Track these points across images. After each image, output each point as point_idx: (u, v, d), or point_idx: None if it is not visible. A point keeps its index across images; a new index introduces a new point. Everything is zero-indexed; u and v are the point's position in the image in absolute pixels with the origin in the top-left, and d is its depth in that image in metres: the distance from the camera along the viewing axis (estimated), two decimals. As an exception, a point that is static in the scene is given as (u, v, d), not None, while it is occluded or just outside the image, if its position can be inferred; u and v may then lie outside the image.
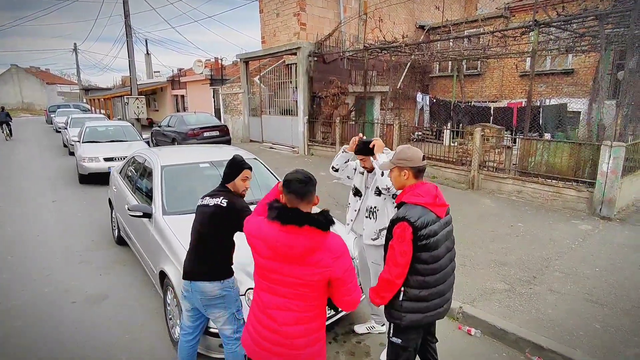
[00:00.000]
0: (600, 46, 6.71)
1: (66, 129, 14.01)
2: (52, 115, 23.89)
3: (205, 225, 2.42)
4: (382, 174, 2.84)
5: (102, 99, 30.08)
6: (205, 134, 12.50)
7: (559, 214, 6.34)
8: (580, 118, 11.14)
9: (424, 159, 2.16)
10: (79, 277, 4.40)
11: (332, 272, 1.71)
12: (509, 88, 13.62)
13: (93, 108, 31.40)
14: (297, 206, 1.75)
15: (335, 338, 3.33)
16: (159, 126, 14.45)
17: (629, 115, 6.30)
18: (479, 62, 14.01)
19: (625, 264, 4.53)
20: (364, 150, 2.93)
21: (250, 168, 2.60)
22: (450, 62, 14.62)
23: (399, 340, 2.16)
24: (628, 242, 5.20)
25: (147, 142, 11.11)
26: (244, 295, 2.71)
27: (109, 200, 5.59)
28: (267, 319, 1.80)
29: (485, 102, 13.41)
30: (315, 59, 12.02)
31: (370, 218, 3.00)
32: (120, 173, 5.24)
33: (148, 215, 3.61)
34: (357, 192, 3.23)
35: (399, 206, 2.15)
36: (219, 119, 16.46)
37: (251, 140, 15.32)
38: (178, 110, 23.06)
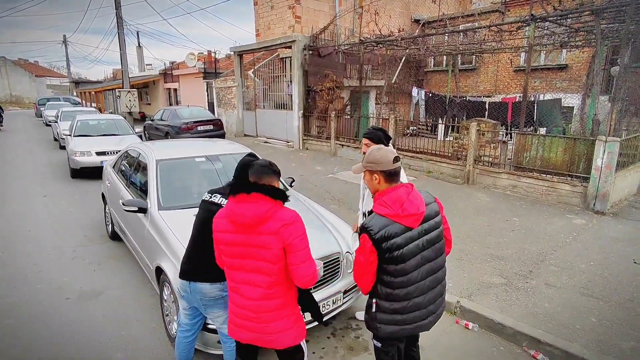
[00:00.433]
0: (596, 41, 6.72)
1: (57, 122, 13.78)
2: (41, 109, 23.50)
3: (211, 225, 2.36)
4: None
5: (93, 92, 29.67)
6: (199, 128, 12.38)
7: (554, 208, 6.38)
8: (574, 113, 11.23)
9: (396, 161, 1.97)
10: (72, 273, 4.34)
11: (284, 238, 1.89)
12: (504, 83, 13.66)
13: (84, 101, 30.94)
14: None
15: (333, 333, 3.33)
16: (152, 120, 14.28)
17: (623, 110, 6.34)
18: (473, 56, 14.01)
19: (619, 258, 4.57)
20: (372, 134, 2.87)
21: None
22: (445, 57, 14.61)
23: (379, 344, 2.12)
24: (621, 236, 5.26)
25: (140, 136, 10.97)
26: None
27: (102, 195, 5.51)
28: (237, 296, 2.00)
29: (480, 97, 13.44)
30: (310, 52, 11.91)
31: None
32: (113, 167, 5.16)
33: (143, 210, 3.56)
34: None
35: (369, 213, 2.10)
36: (213, 112, 16.31)
37: (245, 135, 15.20)
38: (171, 104, 22.81)
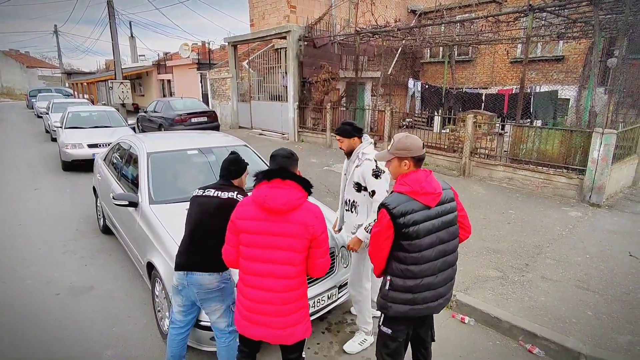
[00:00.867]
0: (594, 32, 6.65)
1: (48, 114, 13.56)
2: (33, 100, 23.14)
3: (212, 216, 2.33)
4: (358, 167, 2.74)
5: (86, 84, 29.25)
6: (193, 120, 12.22)
7: (550, 200, 6.37)
8: (570, 105, 11.20)
9: (424, 147, 2.10)
10: (62, 268, 4.26)
11: (314, 231, 1.95)
12: (500, 75, 13.59)
13: (76, 93, 30.50)
14: None
15: (328, 328, 3.29)
16: (145, 111, 14.08)
17: (620, 102, 6.30)
18: (470, 48, 13.91)
19: (614, 251, 4.57)
20: (342, 130, 2.86)
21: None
22: (441, 48, 14.49)
23: (389, 331, 2.14)
24: (617, 228, 5.26)
25: (133, 128, 10.81)
26: None
27: (94, 188, 5.41)
28: (253, 290, 1.98)
29: (477, 88, 13.37)
30: (306, 43, 11.75)
31: (351, 212, 2.89)
32: (104, 160, 5.06)
33: (134, 204, 3.48)
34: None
35: None
36: (207, 104, 16.11)
37: (240, 127, 15.05)
38: (164, 95, 22.53)
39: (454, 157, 8.02)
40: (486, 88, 13.25)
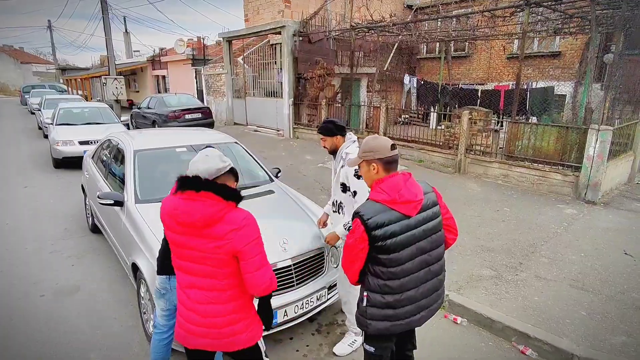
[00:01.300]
0: (591, 27, 6.57)
1: (40, 110, 13.39)
2: (26, 96, 22.86)
3: None
4: (342, 167, 2.66)
5: (80, 79, 28.97)
6: (187, 116, 12.10)
7: (545, 198, 6.32)
8: (566, 101, 11.15)
9: (393, 148, 1.90)
10: (49, 268, 4.17)
11: (232, 245, 1.71)
12: (497, 70, 13.51)
13: (70, 89, 30.20)
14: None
15: (318, 329, 3.23)
16: (139, 108, 13.94)
17: (617, 99, 6.24)
18: (466, 43, 13.82)
19: (609, 249, 4.53)
20: (324, 129, 2.77)
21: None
22: (437, 44, 14.39)
23: (372, 349, 1.99)
24: (612, 226, 5.22)
25: (127, 125, 10.68)
26: None
27: (82, 186, 5.31)
28: (186, 298, 1.83)
29: (473, 84, 13.29)
30: (301, 38, 11.63)
31: (338, 213, 2.82)
32: (92, 157, 4.96)
33: (120, 203, 3.39)
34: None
35: None
36: (202, 100, 15.98)
37: (235, 123, 14.94)
38: (159, 92, 22.35)
39: (449, 154, 7.95)
40: (482, 84, 13.17)
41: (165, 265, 2.28)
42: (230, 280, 1.78)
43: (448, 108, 10.03)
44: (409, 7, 15.61)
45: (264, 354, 2.04)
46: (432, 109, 11.95)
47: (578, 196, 6.17)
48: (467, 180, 7.29)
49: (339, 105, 11.36)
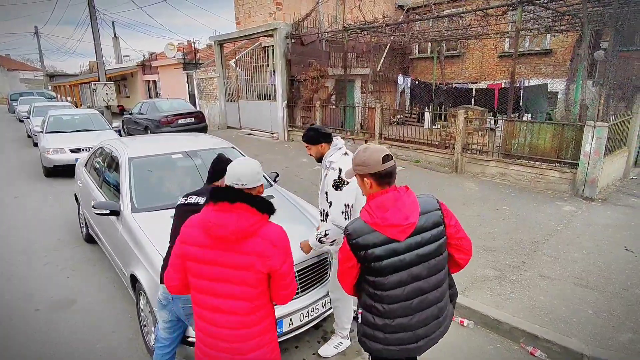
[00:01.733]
0: (583, 24, 6.61)
1: (29, 118, 13.15)
2: (14, 104, 22.54)
3: None
4: (327, 174, 2.52)
5: (69, 86, 28.62)
6: (180, 121, 11.96)
7: (543, 195, 6.33)
8: (558, 98, 11.22)
9: (387, 160, 1.71)
10: (43, 281, 4.05)
11: (271, 263, 1.63)
12: (489, 69, 13.58)
13: (59, 95, 29.82)
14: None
15: (324, 337, 3.16)
16: (130, 113, 13.76)
17: (611, 95, 6.28)
18: (458, 43, 13.87)
19: (610, 246, 4.52)
20: (307, 137, 2.62)
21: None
22: (430, 44, 14.43)
23: None
24: (611, 222, 5.22)
25: (119, 131, 10.52)
26: None
27: (75, 195, 5.19)
28: (206, 324, 1.70)
29: (466, 83, 13.34)
30: (293, 40, 11.57)
31: (325, 221, 2.65)
32: (85, 166, 4.85)
33: (115, 212, 3.30)
34: None
35: None
36: (194, 105, 15.83)
37: (229, 127, 14.82)
38: (150, 97, 22.13)
39: (445, 154, 7.94)
40: (475, 83, 13.23)
41: None
42: (260, 301, 1.69)
43: (443, 107, 10.03)
44: (401, 7, 15.64)
45: None
46: (426, 109, 11.96)
47: (575, 193, 6.19)
48: (464, 180, 7.28)
49: (334, 106, 11.31)
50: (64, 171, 8.01)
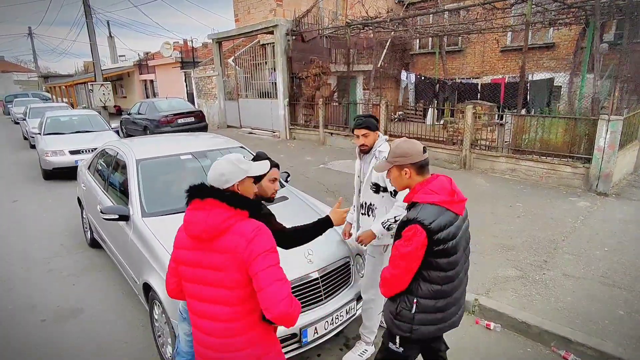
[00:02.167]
0: (594, 16, 6.46)
1: (25, 120, 12.93)
2: (9, 106, 22.29)
3: None
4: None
5: (64, 87, 28.26)
6: (180, 121, 11.77)
7: (555, 191, 6.21)
8: (562, 92, 11.11)
9: (425, 150, 1.86)
10: (48, 289, 3.89)
11: (243, 258, 1.48)
12: (491, 64, 13.46)
13: (54, 96, 29.45)
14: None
15: (346, 344, 3.02)
16: (129, 114, 13.55)
17: (624, 88, 6.15)
18: (459, 38, 13.72)
19: (631, 242, 4.40)
20: (368, 123, 2.50)
21: (277, 166, 2.20)
22: (431, 39, 14.27)
23: (401, 349, 1.93)
24: (629, 217, 5.11)
25: (117, 132, 10.32)
26: None
27: (78, 199, 5.01)
28: (198, 332, 1.63)
29: (470, 78, 13.21)
30: (294, 37, 11.39)
31: (368, 215, 2.62)
32: (89, 169, 4.67)
33: (125, 217, 3.14)
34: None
35: (409, 207, 1.86)
36: (193, 104, 15.62)
37: (228, 126, 14.63)
38: (148, 96, 21.87)
39: (453, 150, 7.81)
40: (478, 77, 13.10)
41: None
42: (242, 307, 1.54)
43: (448, 103, 9.90)
44: (401, 2, 15.47)
45: None
46: (430, 105, 11.81)
47: (589, 188, 6.07)
48: (473, 176, 7.15)
49: (337, 104, 11.16)
50: (63, 173, 7.82)
